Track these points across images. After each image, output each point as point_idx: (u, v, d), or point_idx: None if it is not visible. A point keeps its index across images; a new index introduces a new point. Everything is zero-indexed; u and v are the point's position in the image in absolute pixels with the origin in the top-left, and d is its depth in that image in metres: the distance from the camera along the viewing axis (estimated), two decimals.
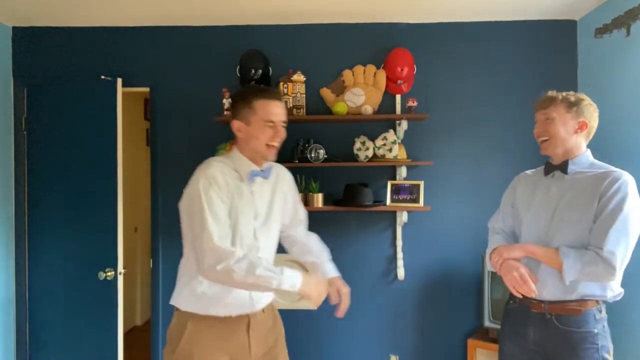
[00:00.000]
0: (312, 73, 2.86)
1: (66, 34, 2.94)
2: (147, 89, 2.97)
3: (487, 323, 2.56)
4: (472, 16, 2.83)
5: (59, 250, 2.85)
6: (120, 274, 2.70)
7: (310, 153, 2.73)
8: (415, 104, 2.77)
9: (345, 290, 1.85)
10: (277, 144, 1.77)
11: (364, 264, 2.90)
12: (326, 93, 2.86)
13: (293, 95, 2.80)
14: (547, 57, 2.87)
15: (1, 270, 2.84)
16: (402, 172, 2.81)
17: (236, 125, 1.73)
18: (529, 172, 2.03)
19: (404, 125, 2.79)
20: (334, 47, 2.91)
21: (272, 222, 1.84)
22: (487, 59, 2.89)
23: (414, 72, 2.84)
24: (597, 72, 2.67)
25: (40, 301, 2.89)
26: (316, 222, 2.92)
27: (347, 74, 2.84)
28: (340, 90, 2.86)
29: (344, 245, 2.91)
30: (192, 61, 2.94)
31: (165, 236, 2.94)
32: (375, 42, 2.89)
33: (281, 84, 2.78)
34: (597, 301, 1.69)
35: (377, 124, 2.86)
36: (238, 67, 2.81)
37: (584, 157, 1.80)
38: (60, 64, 2.94)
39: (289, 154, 2.80)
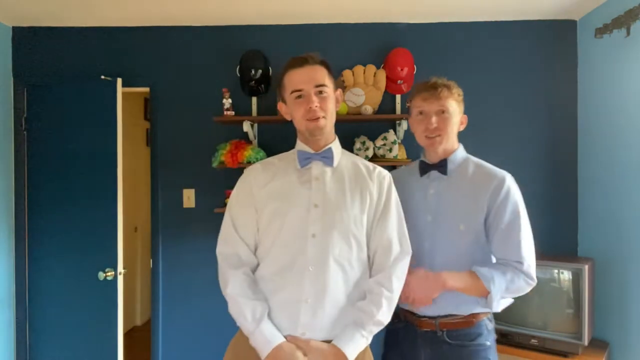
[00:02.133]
0: None
1: (66, 34, 2.93)
2: (147, 89, 2.98)
3: None
4: (472, 16, 2.83)
5: (59, 250, 2.85)
6: (120, 274, 2.70)
7: None
8: None
9: None
10: (316, 115, 1.45)
11: None
12: None
13: None
14: (547, 57, 2.87)
15: (1, 270, 2.84)
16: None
17: (282, 109, 1.58)
18: (401, 169, 1.80)
19: (404, 125, 2.79)
20: (334, 47, 2.91)
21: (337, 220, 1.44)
22: (487, 59, 2.89)
23: (414, 72, 2.84)
24: (597, 72, 2.67)
25: (40, 301, 2.89)
26: None
27: (347, 74, 2.84)
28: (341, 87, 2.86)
29: None
30: (192, 61, 2.94)
31: (165, 236, 2.94)
32: (375, 42, 2.89)
33: None
34: (487, 312, 1.54)
35: (377, 124, 2.86)
36: (238, 67, 2.81)
37: (459, 153, 1.63)
38: (60, 64, 2.94)
39: None
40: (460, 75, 2.88)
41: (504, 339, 2.50)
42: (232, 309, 1.46)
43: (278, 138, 2.91)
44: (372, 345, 1.58)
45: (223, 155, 2.69)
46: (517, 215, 1.51)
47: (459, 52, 2.89)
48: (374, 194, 1.52)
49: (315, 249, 1.42)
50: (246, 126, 2.72)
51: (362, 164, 1.60)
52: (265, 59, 2.80)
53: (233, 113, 2.76)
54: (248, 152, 2.67)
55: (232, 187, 2.79)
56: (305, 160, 1.52)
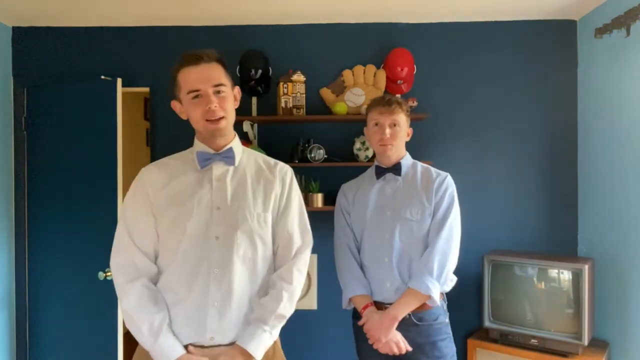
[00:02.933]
0: (312, 73, 2.86)
1: (66, 34, 2.93)
2: (147, 89, 2.97)
3: (487, 323, 2.56)
4: (472, 16, 2.83)
5: (59, 250, 2.85)
6: None
7: (310, 153, 2.73)
8: (415, 104, 2.77)
9: None
10: (216, 115, 1.41)
11: None
12: (326, 93, 2.86)
13: (293, 95, 2.80)
14: (547, 57, 2.87)
15: (1, 270, 2.84)
16: None
17: (176, 108, 1.56)
18: (349, 182, 2.05)
19: None
20: (334, 47, 2.91)
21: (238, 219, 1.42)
22: (487, 59, 2.89)
23: (414, 72, 2.84)
24: (597, 72, 2.67)
25: (40, 301, 2.89)
26: (316, 222, 2.92)
27: (347, 74, 2.84)
28: (340, 90, 2.86)
29: None
30: None
31: None
32: (375, 42, 2.89)
33: (281, 84, 2.78)
34: (442, 293, 1.82)
35: None
36: (238, 67, 2.81)
37: (408, 158, 1.94)
38: (60, 64, 2.94)
39: (289, 154, 2.80)
40: (460, 75, 2.91)
41: (504, 339, 2.50)
42: (129, 325, 1.40)
43: (278, 138, 2.91)
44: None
45: None
46: (451, 204, 1.82)
47: (459, 52, 2.89)
48: (277, 190, 1.52)
49: (220, 251, 1.40)
50: (246, 126, 2.72)
51: (264, 160, 1.60)
52: (265, 59, 2.80)
53: None
54: None
55: None
56: (205, 161, 1.47)
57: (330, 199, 2.82)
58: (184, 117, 1.52)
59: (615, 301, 2.49)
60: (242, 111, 2.87)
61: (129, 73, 2.90)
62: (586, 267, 2.34)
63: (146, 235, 1.44)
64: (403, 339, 1.75)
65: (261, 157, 1.61)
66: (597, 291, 2.54)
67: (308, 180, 2.82)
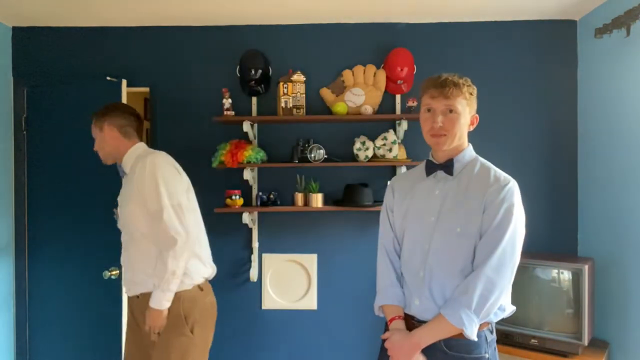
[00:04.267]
0: (312, 73, 2.86)
1: (66, 34, 2.93)
2: (147, 89, 2.97)
3: None
4: (472, 16, 2.83)
5: (60, 250, 2.85)
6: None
7: (310, 153, 2.73)
8: (415, 103, 2.77)
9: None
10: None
11: (364, 264, 2.90)
12: (326, 93, 2.86)
13: (293, 95, 2.80)
14: (547, 57, 2.87)
15: (1, 270, 2.84)
16: (402, 172, 2.81)
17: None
18: (399, 176, 1.78)
19: (404, 125, 2.78)
20: (334, 47, 2.91)
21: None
22: (487, 59, 2.89)
23: (414, 72, 2.84)
24: (597, 72, 2.67)
25: (42, 301, 2.89)
26: (316, 222, 2.93)
27: (347, 74, 2.84)
28: (340, 90, 2.86)
29: (344, 245, 2.91)
30: (192, 61, 2.94)
31: None
32: (375, 42, 2.89)
33: (281, 84, 2.78)
34: (487, 322, 1.51)
35: (377, 124, 2.86)
36: (238, 67, 2.81)
37: (467, 153, 1.60)
38: (60, 64, 2.94)
39: (289, 154, 2.80)
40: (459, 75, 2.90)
41: (504, 339, 2.50)
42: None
43: (278, 138, 2.91)
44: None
45: (223, 155, 2.69)
46: (507, 221, 1.44)
47: (458, 52, 2.89)
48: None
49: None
50: (246, 126, 2.72)
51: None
52: (265, 59, 2.80)
53: (233, 113, 2.76)
54: (248, 152, 2.67)
55: (232, 187, 2.82)
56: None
57: (330, 199, 2.82)
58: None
59: (615, 301, 2.49)
60: (242, 111, 2.87)
61: (129, 73, 2.90)
62: (586, 267, 2.34)
63: None
64: None
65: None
66: (597, 291, 2.54)
67: (308, 180, 2.82)
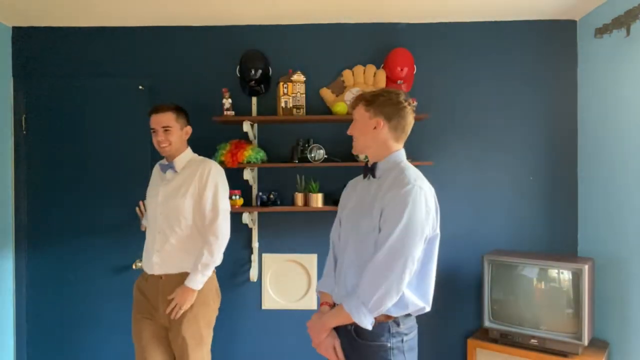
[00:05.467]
0: (312, 73, 2.86)
1: (66, 34, 2.93)
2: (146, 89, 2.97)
3: (487, 323, 2.56)
4: (472, 16, 2.83)
5: (59, 250, 2.85)
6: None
7: (310, 153, 2.73)
8: (415, 103, 2.76)
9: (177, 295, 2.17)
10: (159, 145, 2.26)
11: None
12: (326, 93, 2.86)
13: (293, 95, 2.80)
14: (547, 57, 2.87)
15: (1, 271, 2.84)
16: None
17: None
18: (358, 177, 1.91)
19: None
20: (334, 47, 2.91)
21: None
22: (487, 59, 2.89)
23: (414, 72, 2.84)
24: (597, 72, 2.67)
25: (41, 302, 2.89)
26: (316, 222, 2.93)
27: (347, 74, 2.84)
28: (340, 90, 2.86)
29: None
30: (192, 61, 2.94)
31: None
32: (375, 42, 2.89)
33: (281, 84, 2.78)
34: (388, 315, 1.60)
35: None
36: (238, 67, 2.81)
37: (392, 157, 1.71)
38: (61, 64, 2.93)
39: (289, 154, 2.80)
40: (460, 75, 2.90)
41: (504, 339, 2.50)
42: None
43: (278, 138, 2.91)
44: None
45: (223, 155, 2.69)
46: (398, 218, 1.54)
47: (458, 52, 2.89)
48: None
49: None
50: (246, 126, 2.72)
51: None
52: (265, 59, 2.80)
53: (233, 113, 2.76)
54: (248, 152, 2.67)
55: (232, 187, 2.81)
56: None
57: (330, 199, 2.82)
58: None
59: (615, 301, 2.49)
60: (242, 111, 2.87)
61: (128, 72, 2.90)
62: (586, 267, 2.34)
63: None
64: (339, 347, 1.65)
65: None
66: (597, 291, 2.54)
67: (308, 180, 2.82)
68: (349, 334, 1.64)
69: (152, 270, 2.22)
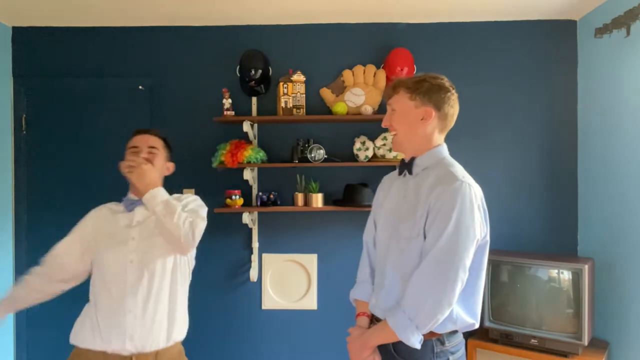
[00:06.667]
0: (312, 73, 2.86)
1: (66, 34, 2.93)
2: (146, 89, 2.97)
3: (487, 323, 2.56)
4: (472, 16, 2.83)
5: None
6: None
7: (310, 153, 2.73)
8: None
9: None
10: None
11: None
12: (326, 93, 2.86)
13: (293, 95, 2.80)
14: (547, 57, 2.87)
15: (1, 272, 2.84)
16: None
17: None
18: (393, 172, 1.70)
19: None
20: (334, 47, 2.91)
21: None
22: (487, 59, 2.89)
23: (414, 72, 2.84)
24: (597, 72, 2.67)
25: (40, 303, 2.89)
26: (316, 222, 2.93)
27: (347, 74, 2.84)
28: (340, 90, 2.86)
29: (344, 245, 2.91)
30: (192, 61, 2.94)
31: None
32: (375, 42, 2.89)
33: (281, 84, 2.78)
34: (435, 332, 1.44)
35: (377, 124, 2.83)
36: (238, 67, 2.81)
37: (433, 152, 1.51)
38: (61, 64, 2.93)
39: (289, 154, 2.80)
40: (460, 75, 2.89)
41: (504, 339, 2.50)
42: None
43: (278, 138, 2.91)
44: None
45: (223, 155, 2.69)
46: (445, 224, 1.36)
47: (458, 52, 2.89)
48: None
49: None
50: (246, 126, 2.72)
51: None
52: (265, 59, 2.80)
53: (233, 113, 2.76)
54: (248, 152, 2.67)
55: (232, 187, 2.82)
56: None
57: (330, 199, 2.82)
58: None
59: (615, 301, 2.49)
60: (242, 111, 2.87)
61: (129, 73, 2.90)
62: (586, 267, 2.34)
63: None
64: None
65: None
66: (597, 291, 2.54)
67: (308, 180, 2.82)
68: (387, 352, 1.48)
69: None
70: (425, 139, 1.50)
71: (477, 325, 1.48)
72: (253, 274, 2.86)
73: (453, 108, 1.51)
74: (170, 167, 1.96)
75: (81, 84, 2.89)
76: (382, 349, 1.50)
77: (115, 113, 2.89)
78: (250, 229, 2.91)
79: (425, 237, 1.41)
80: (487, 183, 2.87)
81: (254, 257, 2.89)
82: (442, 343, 1.46)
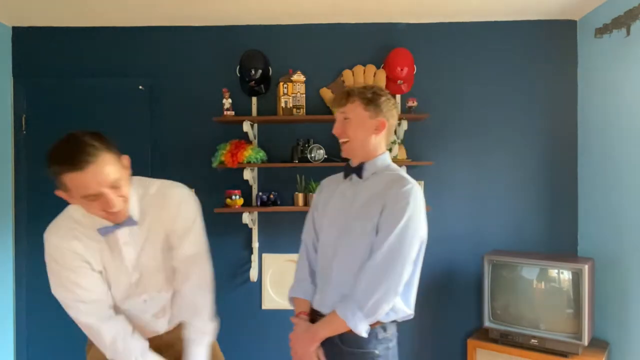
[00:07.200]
0: (312, 73, 2.86)
1: (66, 34, 2.93)
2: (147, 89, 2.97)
3: (487, 323, 2.56)
4: (472, 16, 2.83)
5: None
6: None
7: (310, 153, 2.73)
8: (415, 104, 2.77)
9: None
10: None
11: None
12: (326, 93, 2.86)
13: (293, 95, 2.80)
14: (547, 57, 2.87)
15: (1, 272, 2.84)
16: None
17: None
18: (331, 177, 1.81)
19: (404, 125, 2.79)
20: (334, 47, 2.91)
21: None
22: (487, 59, 2.89)
23: (414, 72, 2.84)
24: (597, 72, 2.67)
25: (41, 302, 2.89)
26: None
27: (347, 74, 2.84)
28: (340, 90, 2.86)
29: None
30: (192, 61, 2.94)
31: None
32: (375, 42, 2.89)
33: (281, 84, 2.78)
34: (378, 321, 1.54)
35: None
36: (238, 67, 2.81)
37: (380, 159, 1.63)
38: (61, 63, 2.93)
39: (289, 154, 2.80)
40: (460, 75, 2.90)
41: (504, 339, 2.50)
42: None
43: (278, 138, 2.91)
44: None
45: (223, 155, 2.69)
46: (397, 220, 1.49)
47: (458, 52, 2.89)
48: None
49: None
50: (246, 126, 2.72)
51: None
52: (265, 59, 2.80)
53: (233, 113, 2.76)
54: (248, 152, 2.67)
55: (232, 187, 2.82)
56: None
57: None
58: None
59: (615, 301, 2.49)
60: (242, 111, 2.87)
61: (129, 73, 2.90)
62: (586, 267, 2.34)
63: None
64: (322, 356, 1.57)
65: None
66: (597, 291, 2.54)
67: (308, 180, 2.82)
68: (333, 344, 1.56)
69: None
70: (374, 147, 1.62)
71: (412, 316, 1.61)
72: (253, 274, 2.86)
73: (395, 120, 1.67)
74: (126, 163, 1.51)
75: (81, 84, 2.89)
76: (328, 341, 1.57)
77: (116, 113, 2.89)
78: (250, 229, 2.91)
79: (377, 233, 1.52)
80: (487, 183, 2.89)
81: (254, 257, 2.89)
82: (385, 330, 1.57)
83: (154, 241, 1.54)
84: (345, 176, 1.68)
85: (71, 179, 1.34)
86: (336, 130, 1.63)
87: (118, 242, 1.51)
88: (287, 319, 2.94)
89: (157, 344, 1.63)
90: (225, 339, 2.92)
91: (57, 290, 1.60)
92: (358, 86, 1.65)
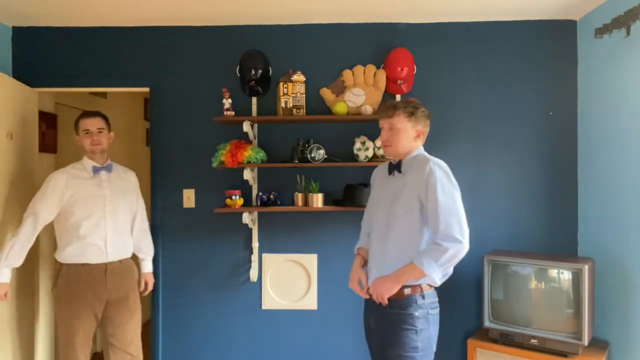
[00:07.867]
0: (312, 73, 2.86)
1: (66, 34, 2.94)
2: (147, 89, 2.97)
3: (487, 323, 2.56)
4: (472, 16, 2.83)
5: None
6: None
7: (310, 153, 2.73)
8: None
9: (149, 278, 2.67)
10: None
11: None
12: (326, 93, 2.86)
13: (293, 95, 2.80)
14: (547, 57, 2.87)
15: None
16: None
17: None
18: (381, 165, 2.16)
19: None
20: (334, 47, 2.91)
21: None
22: (487, 59, 2.89)
23: (414, 72, 2.84)
24: (597, 72, 2.67)
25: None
26: (316, 222, 2.93)
27: (347, 74, 2.84)
28: (340, 90, 2.86)
29: (344, 245, 2.90)
30: (192, 61, 2.94)
31: (165, 236, 2.94)
32: (375, 42, 2.89)
33: (281, 84, 2.78)
34: (420, 288, 1.88)
35: (377, 124, 2.84)
36: (238, 67, 2.81)
37: (413, 154, 1.98)
38: (60, 63, 2.94)
39: (289, 154, 2.80)
40: (460, 75, 2.90)
41: (504, 339, 2.51)
42: None
43: (278, 138, 2.91)
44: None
45: (223, 155, 2.69)
46: (435, 192, 1.83)
47: (458, 52, 2.89)
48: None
49: None
50: (246, 126, 2.72)
51: None
52: (265, 59, 2.80)
53: (233, 113, 2.76)
54: (248, 152, 2.67)
55: (232, 187, 2.82)
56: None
57: (330, 199, 2.82)
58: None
59: (615, 301, 2.49)
60: (242, 111, 2.87)
61: (129, 73, 2.90)
62: (586, 267, 2.34)
63: None
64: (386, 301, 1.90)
65: None
66: (597, 291, 2.54)
67: (308, 180, 2.82)
68: (381, 307, 1.90)
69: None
70: (411, 149, 1.99)
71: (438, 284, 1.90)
72: (253, 274, 2.86)
73: (428, 127, 2.04)
74: (111, 136, 2.50)
75: (81, 84, 2.89)
76: (377, 306, 1.91)
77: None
78: (250, 229, 2.91)
79: (421, 209, 1.87)
80: (487, 183, 2.89)
81: (254, 257, 2.89)
82: (423, 297, 1.90)
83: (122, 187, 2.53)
84: (390, 172, 2.02)
85: (83, 122, 2.41)
86: (382, 138, 1.99)
87: (100, 176, 2.45)
88: (287, 319, 2.96)
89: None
90: (225, 339, 2.93)
91: (33, 201, 2.33)
92: (401, 101, 2.02)
